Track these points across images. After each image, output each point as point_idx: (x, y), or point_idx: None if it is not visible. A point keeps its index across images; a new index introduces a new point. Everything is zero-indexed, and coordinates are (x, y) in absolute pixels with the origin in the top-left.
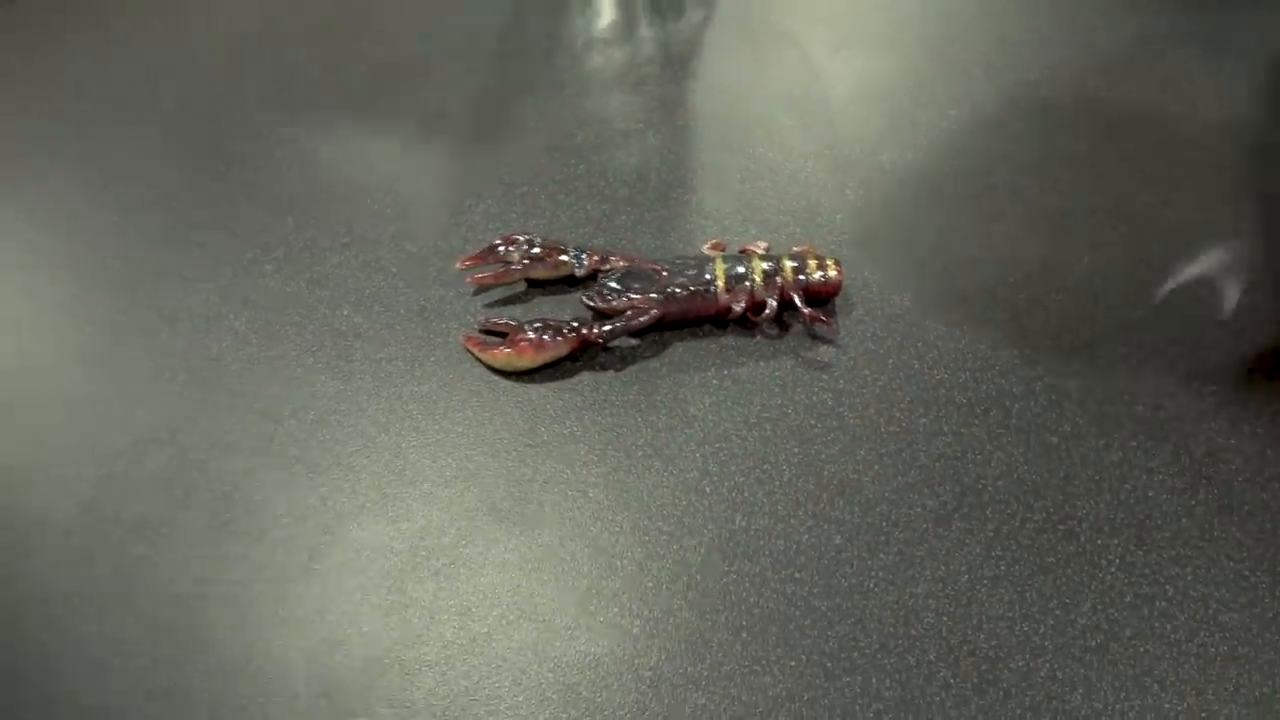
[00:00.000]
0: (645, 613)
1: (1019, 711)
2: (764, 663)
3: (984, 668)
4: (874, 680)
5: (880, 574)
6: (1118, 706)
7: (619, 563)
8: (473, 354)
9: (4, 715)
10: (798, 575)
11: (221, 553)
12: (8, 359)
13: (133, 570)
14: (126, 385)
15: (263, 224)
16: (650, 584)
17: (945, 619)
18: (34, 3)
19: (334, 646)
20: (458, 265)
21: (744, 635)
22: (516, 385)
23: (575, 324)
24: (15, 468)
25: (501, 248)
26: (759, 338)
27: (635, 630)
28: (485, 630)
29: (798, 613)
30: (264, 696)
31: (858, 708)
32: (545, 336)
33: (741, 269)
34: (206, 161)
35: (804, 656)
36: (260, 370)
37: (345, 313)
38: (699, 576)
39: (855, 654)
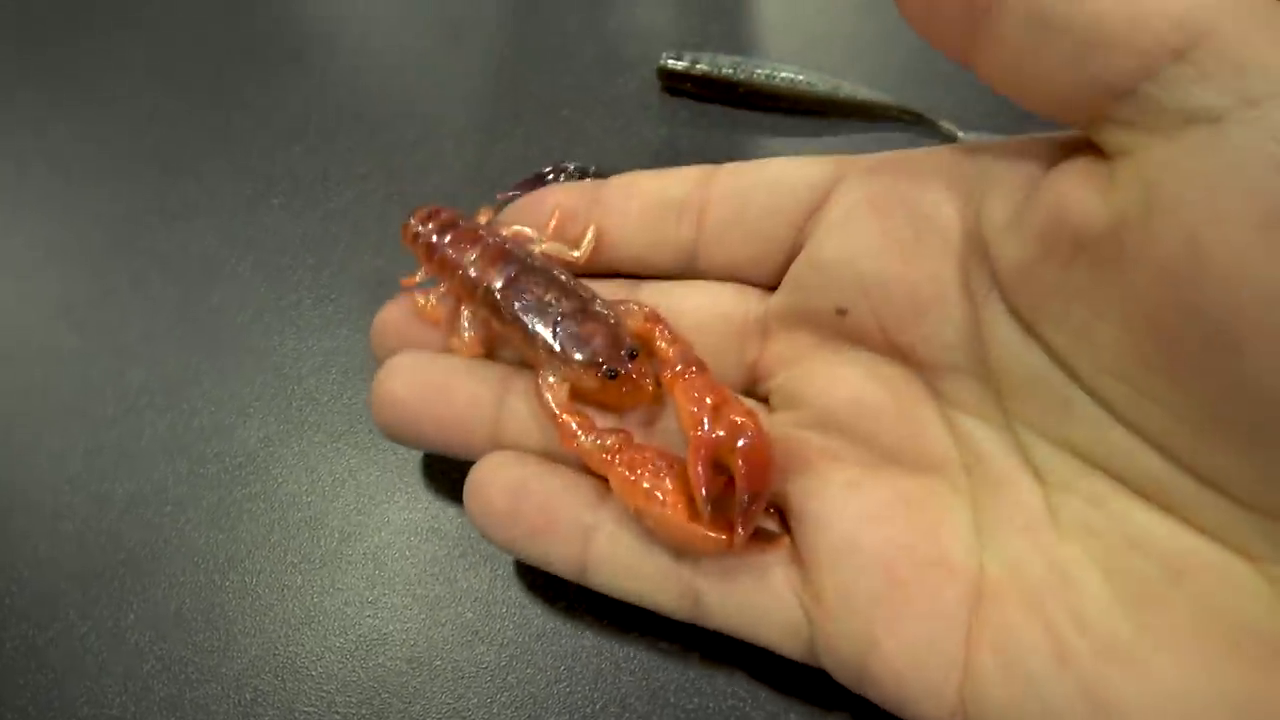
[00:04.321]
0: None
1: None
2: None
3: None
4: None
5: None
6: None
7: None
8: None
9: None
10: None
11: (236, 535)
12: None
13: (131, 558)
14: (115, 340)
15: (265, 153)
16: None
17: None
18: None
19: (374, 646)
20: (499, 197)
21: None
22: None
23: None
24: None
25: (551, 176)
26: None
27: None
28: (551, 626)
29: None
30: (294, 704)
31: None
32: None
33: None
34: (199, 81)
35: None
36: (271, 321)
37: (367, 256)
38: None
39: None
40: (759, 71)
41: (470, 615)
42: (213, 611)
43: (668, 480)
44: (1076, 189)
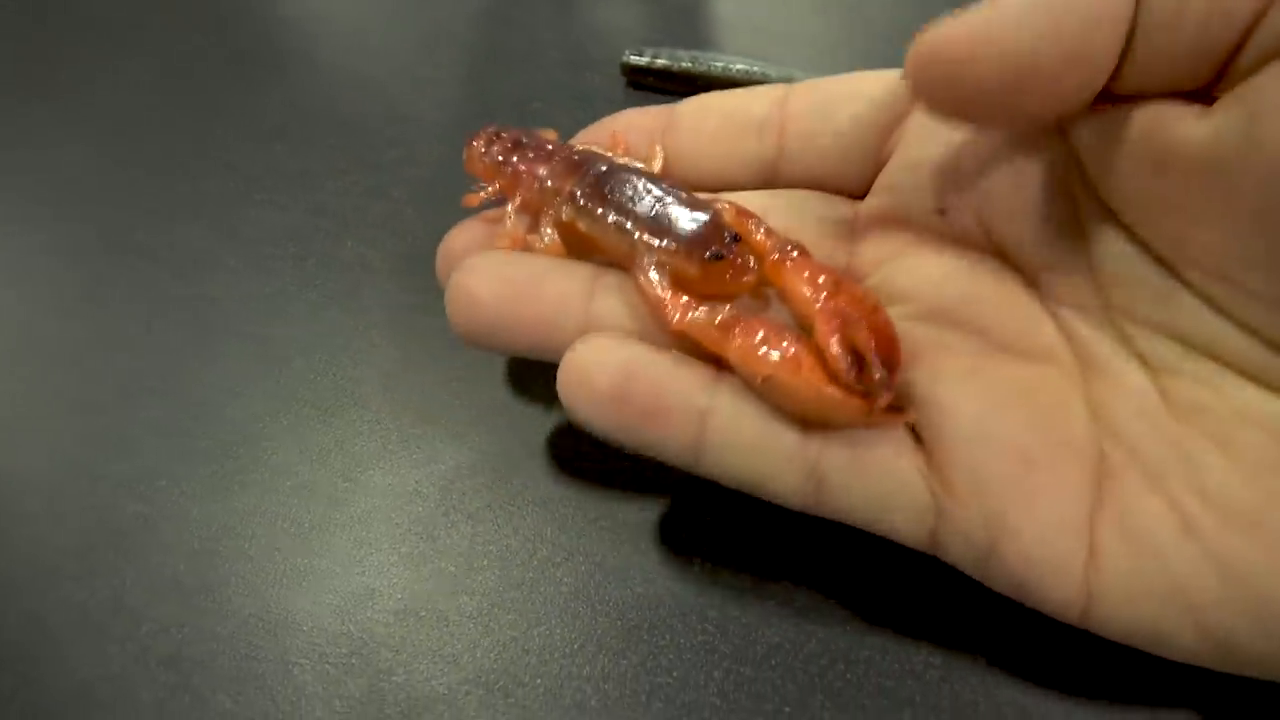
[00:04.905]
0: (707, 550)
1: None
2: None
3: None
4: None
5: None
6: None
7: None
8: None
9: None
10: None
11: (230, 505)
12: None
13: (129, 529)
14: (110, 330)
15: (249, 153)
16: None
17: None
18: None
19: (363, 600)
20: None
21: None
22: None
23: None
24: None
25: None
26: None
27: (696, 568)
28: (531, 575)
29: None
30: (288, 657)
31: None
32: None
33: None
34: (182, 91)
35: None
36: (259, 308)
37: (350, 244)
38: None
39: None
40: (716, 64)
41: (453, 569)
42: (208, 576)
43: (793, 348)
44: (1171, 109)
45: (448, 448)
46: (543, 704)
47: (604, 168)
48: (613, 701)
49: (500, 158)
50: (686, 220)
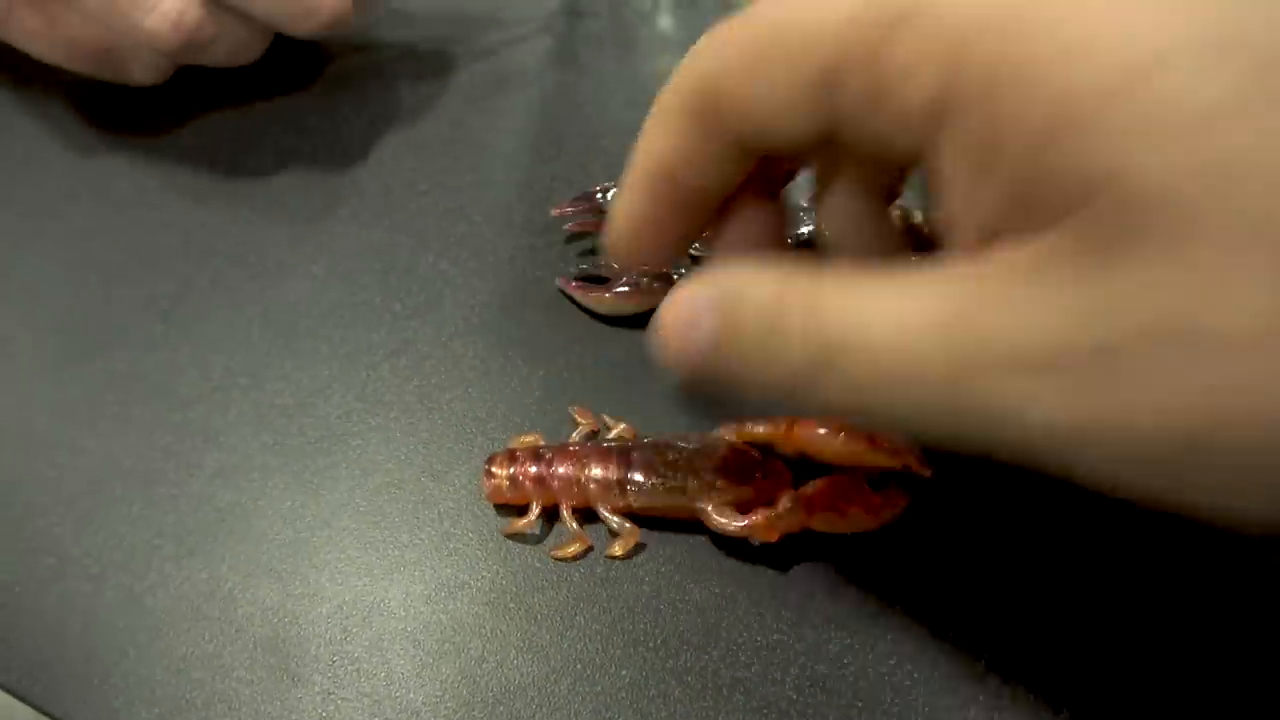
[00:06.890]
0: (780, 554)
1: None
2: None
3: None
4: None
5: None
6: None
7: None
8: (572, 299)
9: (101, 671)
10: None
11: (323, 498)
12: (68, 306)
13: (223, 517)
14: (198, 330)
15: (330, 173)
16: None
17: None
18: None
19: (453, 591)
20: (554, 211)
21: None
22: (621, 330)
23: (681, 272)
24: (81, 413)
25: (599, 194)
26: None
27: (769, 572)
28: (613, 573)
29: None
30: (382, 641)
31: None
32: (652, 283)
33: None
34: (264, 108)
35: None
36: (344, 316)
37: (430, 259)
38: None
39: None
40: None
41: (538, 564)
42: (301, 563)
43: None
44: None
45: None
46: (629, 693)
47: (635, 452)
48: (695, 693)
49: (529, 478)
50: (721, 457)
